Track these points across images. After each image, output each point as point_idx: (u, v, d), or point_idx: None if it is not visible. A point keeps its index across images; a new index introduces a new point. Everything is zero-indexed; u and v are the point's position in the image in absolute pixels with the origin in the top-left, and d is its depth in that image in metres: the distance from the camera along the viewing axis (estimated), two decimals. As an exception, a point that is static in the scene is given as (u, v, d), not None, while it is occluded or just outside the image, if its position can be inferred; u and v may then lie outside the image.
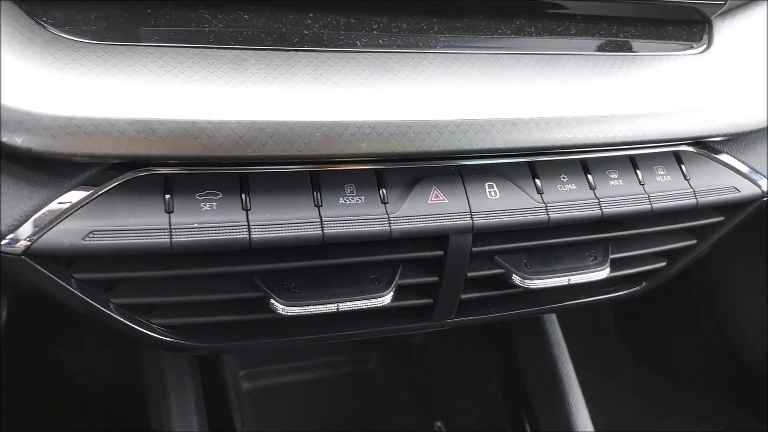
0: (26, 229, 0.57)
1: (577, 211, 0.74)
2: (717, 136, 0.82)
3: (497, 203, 0.71)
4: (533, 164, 0.74)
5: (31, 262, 0.59)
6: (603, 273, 0.80)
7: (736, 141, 0.88)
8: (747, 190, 0.86)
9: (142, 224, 0.59)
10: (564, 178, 0.75)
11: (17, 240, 0.57)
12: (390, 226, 0.66)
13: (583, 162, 0.77)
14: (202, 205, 0.61)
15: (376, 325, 0.80)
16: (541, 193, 0.73)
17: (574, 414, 1.13)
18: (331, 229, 0.64)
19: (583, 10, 0.79)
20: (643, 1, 0.79)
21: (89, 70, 0.56)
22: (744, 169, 0.87)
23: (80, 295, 0.64)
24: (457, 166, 0.71)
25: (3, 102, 0.52)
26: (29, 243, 0.57)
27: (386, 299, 0.71)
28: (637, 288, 0.92)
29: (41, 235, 0.57)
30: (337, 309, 0.68)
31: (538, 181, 0.74)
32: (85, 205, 0.58)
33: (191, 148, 0.58)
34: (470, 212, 0.69)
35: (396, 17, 0.71)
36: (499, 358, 1.27)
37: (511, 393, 1.22)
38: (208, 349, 0.76)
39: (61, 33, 0.57)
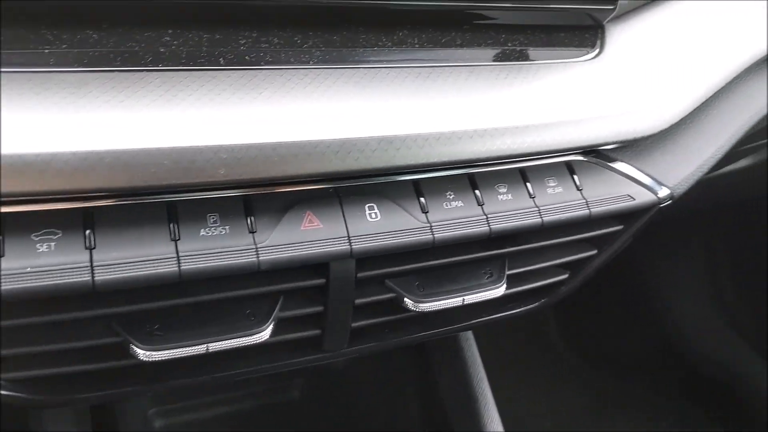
0: None
1: (464, 230, 0.70)
2: (608, 144, 0.80)
3: (378, 225, 0.66)
4: (417, 182, 0.70)
5: None
6: (499, 290, 0.77)
7: (630, 148, 0.86)
8: (642, 197, 0.84)
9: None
10: (450, 195, 0.71)
11: None
12: (258, 257, 0.61)
13: (471, 177, 0.73)
14: (38, 246, 0.54)
15: (263, 361, 0.74)
16: (425, 212, 0.69)
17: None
18: (189, 265, 0.58)
19: (470, 19, 0.76)
20: (529, 7, 0.77)
21: None
22: (639, 176, 0.85)
23: None
24: (335, 188, 0.67)
25: None
26: None
27: (264, 335, 0.65)
28: (536, 304, 0.89)
29: None
30: (207, 350, 0.63)
31: (422, 200, 0.70)
32: None
33: (19, 184, 0.51)
34: (348, 237, 0.65)
35: (267, 31, 0.66)
36: (417, 379, 1.23)
37: (432, 415, 1.18)
38: (71, 402, 0.68)
39: None
